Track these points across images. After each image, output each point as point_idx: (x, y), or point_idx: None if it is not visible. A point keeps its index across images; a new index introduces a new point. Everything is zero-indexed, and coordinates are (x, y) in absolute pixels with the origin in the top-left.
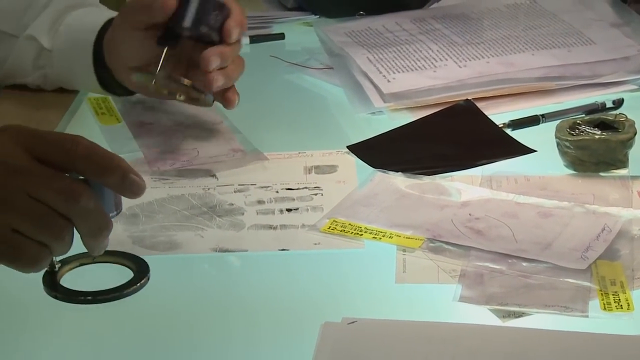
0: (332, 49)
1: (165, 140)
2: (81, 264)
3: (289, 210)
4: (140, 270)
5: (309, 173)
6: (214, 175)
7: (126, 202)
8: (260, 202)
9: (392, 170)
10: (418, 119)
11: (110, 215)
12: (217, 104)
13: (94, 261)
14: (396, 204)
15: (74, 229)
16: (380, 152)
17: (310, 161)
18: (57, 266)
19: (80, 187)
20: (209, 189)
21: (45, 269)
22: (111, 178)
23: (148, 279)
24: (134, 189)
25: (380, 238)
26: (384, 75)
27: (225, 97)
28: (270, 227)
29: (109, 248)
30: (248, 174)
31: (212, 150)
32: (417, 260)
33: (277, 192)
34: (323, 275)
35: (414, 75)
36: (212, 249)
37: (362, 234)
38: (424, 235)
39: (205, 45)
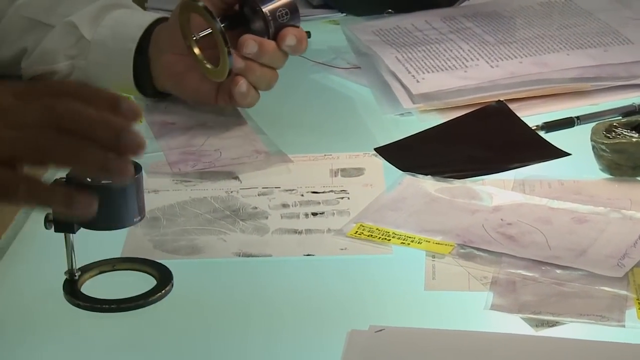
0: (359, 47)
1: (187, 141)
2: (101, 272)
3: (314, 214)
4: (164, 277)
5: (335, 176)
6: (236, 178)
7: (147, 206)
8: (284, 205)
9: (421, 174)
10: (448, 121)
11: (134, 220)
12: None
13: (114, 269)
14: (425, 209)
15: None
16: (408, 154)
17: (337, 164)
18: (77, 274)
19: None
20: (231, 191)
21: (66, 277)
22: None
23: (172, 286)
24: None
25: (409, 243)
26: (413, 76)
27: (234, 81)
28: (295, 231)
29: (128, 255)
30: (272, 176)
31: (235, 152)
32: (447, 267)
33: (302, 195)
34: (350, 282)
35: (444, 76)
36: (235, 253)
37: (390, 239)
38: (454, 241)
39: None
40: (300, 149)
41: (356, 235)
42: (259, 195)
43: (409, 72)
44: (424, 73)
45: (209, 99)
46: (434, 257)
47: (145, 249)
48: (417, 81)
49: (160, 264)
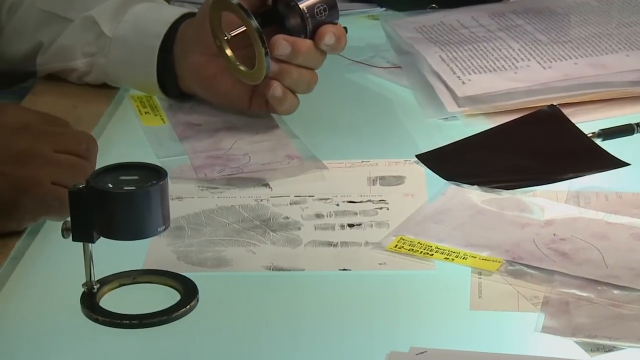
0: (400, 45)
1: (213, 144)
2: (121, 285)
3: (350, 225)
4: (188, 291)
5: (373, 184)
6: (267, 185)
7: (171, 214)
8: (318, 215)
9: (467, 183)
10: (496, 126)
11: (158, 229)
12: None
13: (135, 281)
14: (471, 221)
15: None
16: (453, 162)
17: (375, 171)
18: (95, 287)
19: (89, 139)
20: (261, 200)
21: (83, 290)
22: None
23: (197, 301)
24: None
25: (453, 259)
26: (459, 77)
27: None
28: (330, 244)
29: (150, 267)
30: (305, 184)
31: (265, 157)
32: (494, 285)
33: (337, 205)
34: (389, 300)
35: (492, 77)
36: (265, 267)
37: (432, 254)
38: (503, 257)
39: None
40: (335, 154)
41: (396, 249)
42: (291, 204)
43: (454, 73)
44: (470, 74)
45: (242, 105)
46: (480, 274)
47: (169, 260)
48: (463, 83)
49: (184, 277)
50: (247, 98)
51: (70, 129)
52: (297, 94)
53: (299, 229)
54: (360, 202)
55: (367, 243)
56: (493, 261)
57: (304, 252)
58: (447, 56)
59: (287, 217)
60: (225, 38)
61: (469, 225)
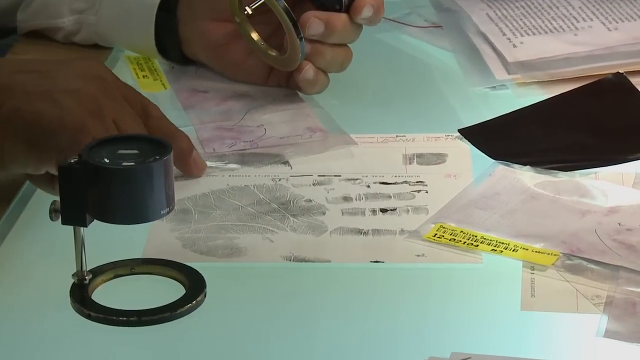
0: (440, 1)
1: (223, 114)
2: (117, 276)
3: (383, 210)
4: (194, 284)
5: (410, 163)
6: (286, 162)
7: (176, 195)
8: (346, 198)
9: (518, 163)
10: (552, 97)
11: (162, 212)
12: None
13: (133, 272)
14: (523, 207)
15: None
16: (502, 138)
17: (412, 147)
18: (87, 277)
19: (149, 104)
20: (280, 179)
21: (74, 280)
22: (176, 145)
23: (204, 295)
24: (199, 167)
25: (502, 251)
26: (509, 38)
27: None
28: (360, 231)
29: (151, 255)
30: (331, 161)
31: (283, 129)
32: (549, 282)
33: (368, 186)
34: (427, 297)
35: (548, 39)
36: (284, 257)
37: (477, 245)
38: (559, 250)
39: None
40: (365, 128)
41: (435, 238)
42: (314, 184)
43: (504, 34)
44: (522, 36)
45: (258, 79)
46: (533, 268)
47: (172, 248)
48: (514, 46)
49: (190, 267)
50: (265, 71)
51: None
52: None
53: (324, 213)
54: (394, 183)
55: (402, 231)
56: (548, 254)
57: (329, 241)
58: (496, 14)
59: (310, 200)
60: (246, 12)
61: (520, 212)
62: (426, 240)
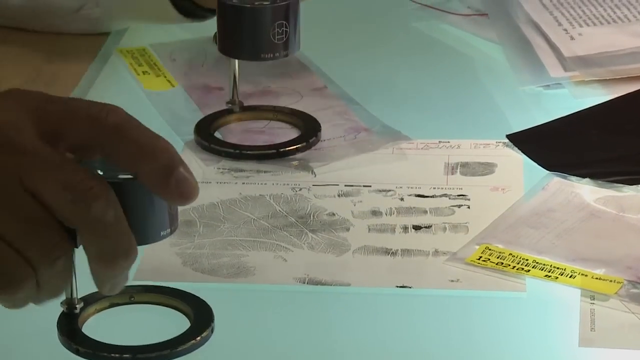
0: None
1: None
2: (112, 305)
3: (416, 228)
4: (201, 317)
5: (452, 173)
6: (310, 170)
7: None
8: (375, 213)
9: (576, 175)
10: (615, 98)
11: (162, 234)
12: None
13: (132, 301)
14: (581, 227)
15: (74, 253)
16: (557, 146)
17: (456, 155)
18: (78, 306)
19: (96, 185)
20: (300, 189)
21: (62, 309)
22: (151, 165)
23: (212, 331)
24: (183, 190)
25: (557, 277)
26: (566, 29)
27: None
28: (387, 251)
29: (145, 272)
30: (361, 168)
31: (324, 130)
32: (612, 313)
33: (401, 199)
34: (462, 330)
35: (610, 31)
36: (298, 279)
37: (529, 270)
38: (623, 276)
39: None
40: (403, 131)
41: (480, 262)
42: (339, 195)
43: (560, 25)
44: (581, 26)
45: None
46: (593, 298)
47: (171, 266)
48: (572, 38)
49: (197, 298)
50: None
51: (73, 167)
52: None
53: (348, 229)
54: (432, 196)
55: (436, 252)
56: (610, 281)
57: (351, 262)
58: (551, 1)
59: (333, 214)
60: None
61: (579, 232)
62: (469, 263)
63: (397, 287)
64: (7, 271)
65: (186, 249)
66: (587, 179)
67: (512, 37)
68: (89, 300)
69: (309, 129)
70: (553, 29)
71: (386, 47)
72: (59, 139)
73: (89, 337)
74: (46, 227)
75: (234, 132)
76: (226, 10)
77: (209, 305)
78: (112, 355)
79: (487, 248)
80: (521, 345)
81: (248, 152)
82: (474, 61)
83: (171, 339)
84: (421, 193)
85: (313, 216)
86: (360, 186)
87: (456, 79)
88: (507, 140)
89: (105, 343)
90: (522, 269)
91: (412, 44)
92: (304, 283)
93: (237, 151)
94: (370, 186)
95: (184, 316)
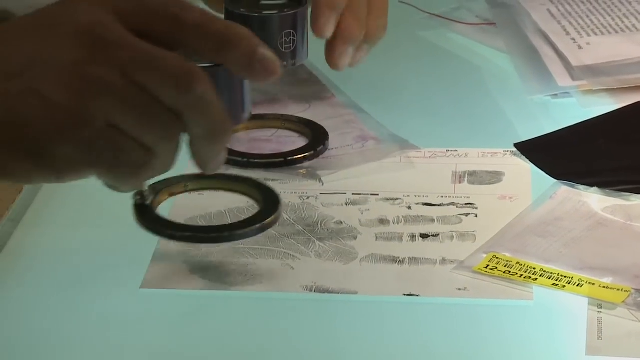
0: None
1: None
2: (172, 194)
3: (424, 236)
4: (268, 200)
5: (460, 182)
6: (318, 178)
7: (187, 212)
8: (382, 221)
9: (584, 184)
10: (624, 107)
11: (244, 116)
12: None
13: (187, 189)
14: (589, 235)
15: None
16: (565, 155)
17: (463, 164)
18: (150, 196)
19: (193, 69)
20: (308, 197)
21: (139, 191)
22: (235, 52)
23: (278, 217)
24: (267, 67)
25: (564, 286)
26: (574, 39)
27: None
28: (394, 260)
29: (153, 284)
30: (368, 177)
31: (332, 139)
32: (619, 322)
33: (409, 207)
34: (470, 338)
35: (618, 40)
36: (305, 287)
37: (536, 279)
38: (631, 285)
39: None
40: (410, 140)
41: (487, 270)
42: (346, 204)
43: (568, 34)
44: (589, 35)
45: None
46: (600, 307)
47: (178, 273)
48: (580, 47)
49: (261, 183)
50: None
51: (169, 55)
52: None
53: (355, 238)
54: (439, 205)
55: (443, 260)
56: (618, 290)
57: (358, 270)
58: (559, 10)
59: (341, 222)
60: None
61: (586, 240)
62: (477, 272)
63: (405, 295)
64: (128, 159)
65: (194, 256)
66: (595, 188)
67: (520, 46)
68: (150, 192)
69: (316, 138)
70: (561, 38)
71: (394, 56)
72: (142, 36)
73: (175, 222)
74: (157, 112)
75: (241, 141)
76: (234, 19)
77: (274, 191)
78: (211, 235)
79: (494, 256)
80: (528, 353)
81: (256, 160)
82: (482, 70)
83: (246, 218)
84: (429, 202)
85: (320, 224)
86: (367, 194)
87: (464, 88)
88: (514, 149)
89: (198, 225)
90: (530, 277)
91: (420, 53)
92: (312, 291)
93: (245, 159)
94: (377, 194)
95: (245, 198)
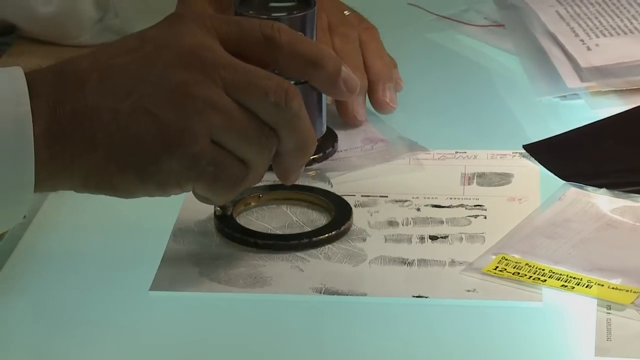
0: None
1: None
2: (247, 205)
3: (433, 238)
4: (340, 211)
5: (469, 183)
6: (327, 180)
7: (194, 214)
8: (391, 223)
9: (593, 185)
10: (632, 108)
11: (323, 129)
12: None
13: (261, 200)
14: (598, 237)
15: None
16: (574, 156)
17: (472, 165)
18: (229, 209)
19: (290, 87)
20: None
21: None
22: (323, 71)
23: (350, 225)
24: (349, 86)
25: (573, 287)
26: (582, 40)
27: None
28: (403, 262)
29: (162, 288)
30: (377, 179)
31: (340, 141)
32: (628, 323)
33: (418, 209)
34: (479, 340)
35: (627, 41)
36: (314, 288)
37: (545, 280)
38: None
39: None
40: (419, 142)
41: (496, 272)
42: (355, 206)
43: (577, 35)
44: (598, 37)
45: None
46: (609, 308)
47: (187, 276)
48: (589, 48)
49: (333, 194)
50: None
51: (267, 74)
52: None
53: (364, 240)
54: (448, 206)
55: (452, 262)
56: (627, 291)
57: (367, 272)
58: (567, 12)
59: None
60: None
61: (595, 242)
62: (486, 273)
63: (414, 297)
64: (229, 174)
65: (203, 258)
66: (604, 189)
67: (529, 47)
68: (230, 203)
69: (326, 140)
70: (570, 39)
71: (403, 57)
72: (237, 55)
73: (256, 231)
74: (257, 128)
75: None
76: None
77: (347, 202)
78: (291, 242)
79: (503, 258)
80: (537, 355)
81: None
82: (490, 72)
83: (321, 226)
84: (438, 203)
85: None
86: (376, 196)
87: (473, 90)
88: (523, 151)
89: (278, 233)
90: (539, 279)
91: (428, 54)
92: (321, 293)
93: None
94: (386, 196)
95: (312, 210)
